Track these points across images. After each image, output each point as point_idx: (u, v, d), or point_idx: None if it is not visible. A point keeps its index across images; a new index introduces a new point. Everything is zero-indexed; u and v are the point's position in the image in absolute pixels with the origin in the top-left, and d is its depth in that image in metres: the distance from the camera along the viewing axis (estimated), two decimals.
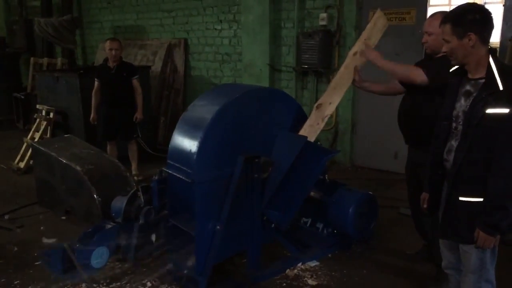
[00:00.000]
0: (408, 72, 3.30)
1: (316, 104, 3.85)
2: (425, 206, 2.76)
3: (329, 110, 3.84)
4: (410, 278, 3.66)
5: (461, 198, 2.41)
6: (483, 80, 2.33)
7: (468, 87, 2.41)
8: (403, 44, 5.82)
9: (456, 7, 2.44)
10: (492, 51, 2.36)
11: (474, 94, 2.34)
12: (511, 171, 2.22)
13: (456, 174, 2.42)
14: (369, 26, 3.85)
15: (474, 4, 2.53)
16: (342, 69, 3.84)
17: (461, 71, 2.47)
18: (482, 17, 2.30)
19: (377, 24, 3.80)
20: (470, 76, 2.42)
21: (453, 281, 2.75)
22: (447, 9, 9.67)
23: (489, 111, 2.24)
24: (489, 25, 2.33)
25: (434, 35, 3.26)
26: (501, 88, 2.23)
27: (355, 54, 3.78)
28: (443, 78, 3.10)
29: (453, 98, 2.48)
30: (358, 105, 6.49)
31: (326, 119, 3.87)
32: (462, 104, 2.42)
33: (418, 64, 3.53)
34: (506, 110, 2.20)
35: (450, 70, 2.54)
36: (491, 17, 2.33)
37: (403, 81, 3.40)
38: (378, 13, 3.83)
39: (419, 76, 3.20)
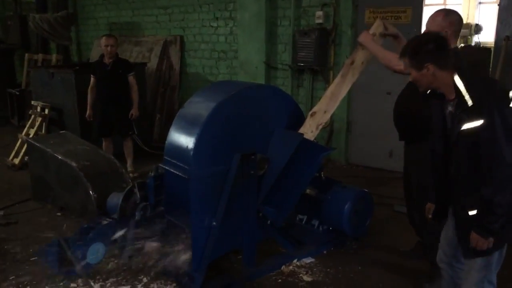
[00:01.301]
0: (389, 59, 3.30)
1: (310, 112, 3.86)
2: (429, 216, 2.75)
3: (324, 118, 3.85)
4: (404, 275, 3.69)
5: (470, 213, 2.42)
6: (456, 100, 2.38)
7: (450, 108, 2.46)
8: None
9: (412, 38, 2.52)
10: (458, 68, 2.39)
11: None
12: (498, 179, 2.24)
13: (457, 189, 2.47)
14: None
15: (427, 34, 2.60)
16: (338, 78, 3.85)
17: (440, 94, 2.50)
18: (436, 45, 2.35)
19: (376, 33, 3.80)
20: (447, 98, 2.46)
21: (446, 276, 2.78)
22: (441, 7, 9.72)
23: (465, 127, 2.29)
24: (445, 51, 2.37)
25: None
26: (470, 104, 2.27)
27: (352, 63, 3.79)
28: None
29: (439, 118, 2.51)
30: (354, 104, 6.52)
31: (320, 127, 3.87)
32: (449, 124, 2.47)
33: None
34: (480, 122, 2.24)
35: (427, 92, 2.55)
36: (446, 43, 2.40)
37: (385, 66, 3.41)
38: (378, 22, 3.82)
39: (398, 66, 3.21)
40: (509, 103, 2.24)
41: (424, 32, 2.63)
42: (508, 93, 2.29)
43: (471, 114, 2.27)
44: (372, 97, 6.17)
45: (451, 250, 2.67)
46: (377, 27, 3.79)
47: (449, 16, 3.23)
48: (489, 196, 2.26)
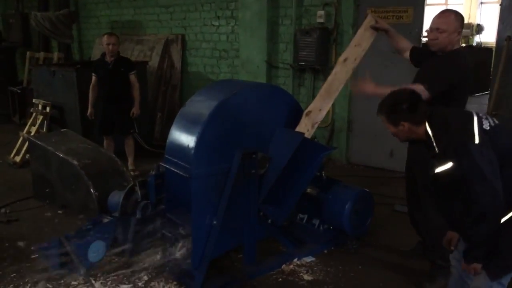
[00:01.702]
0: None
1: (305, 111, 3.86)
2: (452, 248, 2.76)
3: (319, 116, 3.85)
4: (405, 274, 3.70)
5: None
6: None
7: None
8: None
9: (387, 96, 2.64)
10: (429, 115, 2.49)
11: None
12: (475, 214, 2.30)
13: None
14: (359, 31, 3.86)
15: (401, 92, 2.66)
16: (331, 76, 3.86)
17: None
18: (410, 104, 2.49)
19: (367, 29, 3.80)
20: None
21: (455, 273, 2.77)
22: (443, 7, 9.71)
23: (437, 170, 2.39)
24: (419, 108, 2.50)
25: (447, 33, 3.22)
26: (437, 151, 2.41)
27: (345, 60, 3.80)
28: (444, 84, 3.17)
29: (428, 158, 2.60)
30: (355, 103, 6.51)
31: (316, 126, 3.86)
32: None
33: (415, 51, 3.58)
34: (449, 164, 2.32)
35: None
36: (419, 99, 2.55)
37: None
38: (369, 17, 3.83)
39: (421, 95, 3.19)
40: (474, 141, 2.29)
41: (398, 90, 2.74)
42: (473, 130, 2.32)
43: (439, 159, 2.38)
44: (374, 96, 6.15)
45: (465, 246, 2.67)
46: (368, 22, 3.81)
47: (458, 16, 3.31)
48: (469, 227, 2.35)
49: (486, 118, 2.43)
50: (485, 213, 2.26)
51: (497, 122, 2.44)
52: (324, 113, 3.88)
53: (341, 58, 3.86)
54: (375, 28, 3.78)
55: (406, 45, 3.73)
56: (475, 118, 2.38)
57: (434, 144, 2.42)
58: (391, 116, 2.55)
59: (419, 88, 3.14)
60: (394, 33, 3.74)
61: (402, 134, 2.58)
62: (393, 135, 2.64)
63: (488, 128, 2.36)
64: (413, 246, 3.98)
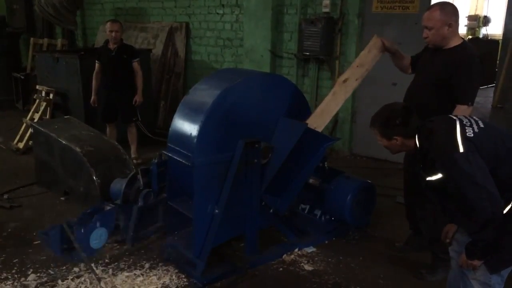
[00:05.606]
0: None
1: None
2: (448, 240, 2.76)
3: None
4: (406, 266, 3.70)
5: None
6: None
7: None
8: (406, 33, 5.79)
9: (380, 110, 2.67)
10: (419, 128, 2.53)
11: None
12: (481, 220, 2.29)
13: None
14: (363, 52, 3.77)
15: (394, 107, 2.67)
16: (329, 96, 3.81)
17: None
18: (403, 119, 2.55)
19: (372, 50, 3.72)
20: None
21: (454, 265, 2.77)
22: None
23: (429, 179, 2.48)
24: (411, 123, 2.55)
25: (434, 30, 3.21)
26: (425, 163, 2.50)
27: (345, 81, 3.75)
28: (478, 88, 3.27)
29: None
30: (359, 94, 6.48)
31: None
32: None
33: (414, 59, 3.59)
34: (439, 175, 2.40)
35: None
36: (411, 113, 2.57)
37: None
38: (374, 39, 3.74)
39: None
40: (459, 150, 2.29)
41: (390, 104, 2.72)
42: (456, 140, 2.31)
43: (429, 172, 2.46)
44: (378, 87, 6.13)
45: (464, 238, 2.67)
46: (374, 43, 3.72)
47: (446, 9, 3.21)
48: (474, 232, 2.37)
49: (470, 125, 2.39)
50: (489, 220, 2.26)
51: (482, 125, 2.41)
52: (319, 131, 3.82)
53: (341, 79, 3.80)
54: (385, 49, 3.68)
55: (408, 61, 3.70)
56: (458, 126, 2.37)
57: (422, 156, 2.50)
58: (384, 131, 2.61)
59: (467, 112, 3.10)
60: (402, 54, 3.70)
61: (395, 147, 2.64)
62: (386, 148, 2.70)
63: (471, 135, 2.34)
64: (406, 239, 3.96)
